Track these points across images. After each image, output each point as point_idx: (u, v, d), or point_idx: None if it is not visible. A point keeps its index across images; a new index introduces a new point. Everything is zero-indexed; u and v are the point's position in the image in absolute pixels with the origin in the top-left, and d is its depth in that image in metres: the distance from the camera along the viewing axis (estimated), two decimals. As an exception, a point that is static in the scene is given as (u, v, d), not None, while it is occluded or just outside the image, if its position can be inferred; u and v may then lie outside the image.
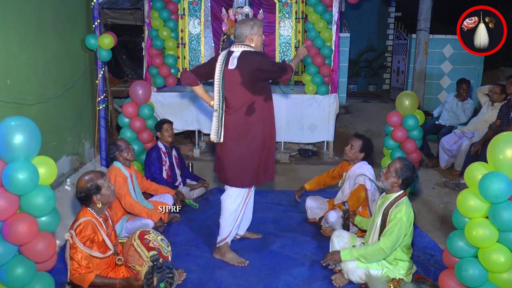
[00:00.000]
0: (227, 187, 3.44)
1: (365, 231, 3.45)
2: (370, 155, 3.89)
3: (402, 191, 3.04)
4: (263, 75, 3.22)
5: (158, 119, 5.09)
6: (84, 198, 2.70)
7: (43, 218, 2.51)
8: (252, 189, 3.55)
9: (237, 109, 3.23)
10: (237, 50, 3.24)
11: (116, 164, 3.80)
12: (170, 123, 4.70)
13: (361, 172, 3.72)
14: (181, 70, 7.11)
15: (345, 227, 3.52)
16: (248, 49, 3.23)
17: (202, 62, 7.36)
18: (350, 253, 3.00)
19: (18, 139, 2.31)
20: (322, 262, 3.13)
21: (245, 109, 3.22)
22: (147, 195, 4.31)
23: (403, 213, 2.92)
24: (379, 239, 3.04)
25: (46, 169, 2.51)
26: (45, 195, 2.43)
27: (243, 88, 3.19)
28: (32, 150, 2.40)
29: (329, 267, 3.12)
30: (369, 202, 3.66)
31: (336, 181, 4.13)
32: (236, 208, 3.42)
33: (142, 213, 3.71)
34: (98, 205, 2.73)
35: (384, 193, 3.16)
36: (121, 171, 3.77)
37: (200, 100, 6.22)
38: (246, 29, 3.23)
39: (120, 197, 3.65)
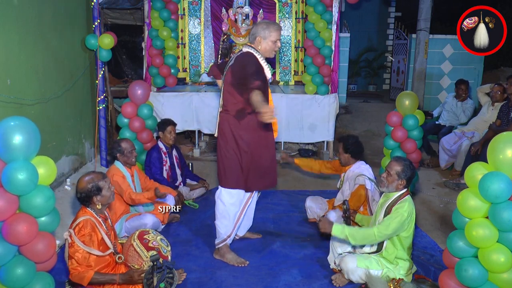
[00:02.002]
0: (219, 186, 3.45)
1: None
2: (358, 152, 3.82)
3: (405, 190, 3.04)
4: (240, 81, 3.12)
5: (158, 119, 5.08)
6: (85, 198, 2.70)
7: (43, 218, 2.51)
8: (254, 193, 3.52)
9: (228, 108, 3.24)
10: (243, 49, 3.26)
11: (117, 164, 3.80)
12: (174, 125, 4.65)
13: (360, 172, 3.72)
14: (181, 70, 7.12)
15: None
16: (251, 50, 3.21)
17: (202, 62, 7.37)
18: (342, 230, 2.94)
19: (17, 139, 2.30)
20: (318, 223, 3.05)
21: (234, 112, 3.22)
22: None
23: (405, 209, 2.92)
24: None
25: (46, 169, 2.51)
26: (44, 195, 2.43)
27: (231, 88, 3.20)
28: (31, 150, 2.40)
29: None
30: (369, 202, 3.66)
31: (329, 171, 4.12)
32: (228, 209, 3.37)
33: (143, 200, 3.63)
34: (98, 206, 2.73)
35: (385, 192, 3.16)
36: (120, 170, 3.77)
37: (200, 100, 6.27)
38: (258, 30, 3.20)
39: (122, 193, 3.65)
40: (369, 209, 3.69)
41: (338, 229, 2.94)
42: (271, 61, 7.15)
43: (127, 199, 3.65)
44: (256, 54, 3.20)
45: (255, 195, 3.61)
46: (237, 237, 3.74)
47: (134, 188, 3.83)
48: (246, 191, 3.39)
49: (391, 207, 3.01)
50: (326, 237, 3.76)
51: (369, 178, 3.66)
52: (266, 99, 3.18)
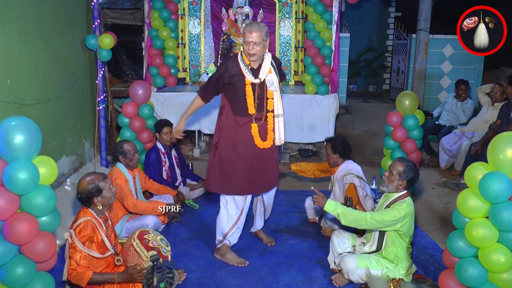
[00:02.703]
0: None
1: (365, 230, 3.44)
2: (346, 152, 3.82)
3: (405, 191, 3.04)
4: None
5: (158, 119, 5.07)
6: (85, 199, 2.70)
7: (44, 218, 2.51)
8: (248, 198, 3.46)
9: None
10: None
11: (119, 166, 3.79)
12: (170, 125, 4.62)
13: (347, 171, 3.71)
14: (181, 70, 7.10)
15: None
16: (239, 53, 3.29)
17: (202, 62, 7.37)
18: (335, 207, 2.95)
19: (18, 139, 2.31)
20: (313, 198, 3.03)
21: (219, 109, 3.39)
22: (148, 195, 4.31)
23: (402, 208, 2.92)
24: (380, 238, 3.05)
25: (47, 169, 2.51)
26: (45, 195, 2.43)
27: None
28: (32, 150, 2.40)
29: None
30: (360, 199, 3.64)
31: (324, 174, 4.12)
32: (221, 209, 3.41)
33: (149, 210, 3.65)
34: (98, 206, 2.73)
35: (385, 192, 3.15)
36: (123, 173, 3.76)
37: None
38: None
39: (122, 199, 3.64)
40: (362, 206, 3.67)
41: (331, 205, 2.95)
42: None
43: (129, 205, 3.63)
44: (239, 57, 3.23)
45: (260, 199, 3.61)
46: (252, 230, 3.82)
47: (135, 191, 3.82)
48: (207, 188, 3.50)
49: (389, 206, 3.01)
50: (326, 237, 3.78)
51: (357, 176, 3.65)
52: (240, 101, 3.21)
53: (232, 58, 3.27)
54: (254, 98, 3.22)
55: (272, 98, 3.28)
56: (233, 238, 3.48)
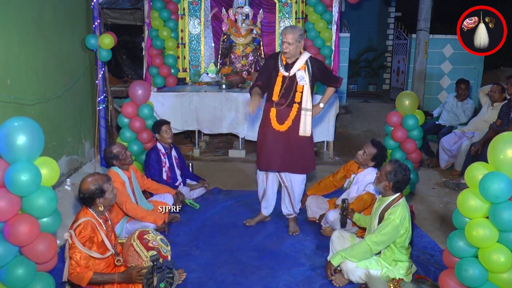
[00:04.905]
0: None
1: (365, 229, 3.44)
2: (381, 164, 3.82)
3: (398, 194, 3.03)
4: None
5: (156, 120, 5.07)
6: (87, 199, 2.69)
7: (45, 219, 2.50)
8: (272, 174, 3.92)
9: None
10: None
11: (114, 169, 3.78)
12: (168, 123, 4.65)
13: (372, 180, 3.65)
14: (181, 70, 7.10)
15: (343, 223, 3.51)
16: None
17: (202, 62, 7.37)
18: (339, 256, 3.03)
19: (21, 140, 2.30)
20: (331, 280, 3.11)
21: None
22: (147, 194, 4.31)
23: (396, 215, 2.92)
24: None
25: (49, 170, 2.51)
26: (47, 196, 2.43)
27: None
28: (34, 151, 2.40)
29: (334, 275, 3.12)
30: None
31: (342, 183, 4.11)
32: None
33: (147, 217, 3.71)
34: (100, 208, 2.73)
35: (380, 195, 3.15)
36: (119, 176, 3.74)
37: (200, 100, 6.27)
38: None
39: (121, 204, 3.63)
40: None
41: (336, 257, 3.06)
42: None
43: (129, 210, 3.64)
44: (280, 54, 3.74)
45: (273, 177, 3.94)
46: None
47: (132, 191, 3.81)
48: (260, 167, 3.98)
49: (384, 212, 3.01)
50: (326, 236, 3.78)
51: None
52: (271, 89, 3.70)
53: (275, 54, 3.81)
54: (280, 88, 3.68)
55: (301, 92, 3.65)
56: (263, 208, 4.09)
